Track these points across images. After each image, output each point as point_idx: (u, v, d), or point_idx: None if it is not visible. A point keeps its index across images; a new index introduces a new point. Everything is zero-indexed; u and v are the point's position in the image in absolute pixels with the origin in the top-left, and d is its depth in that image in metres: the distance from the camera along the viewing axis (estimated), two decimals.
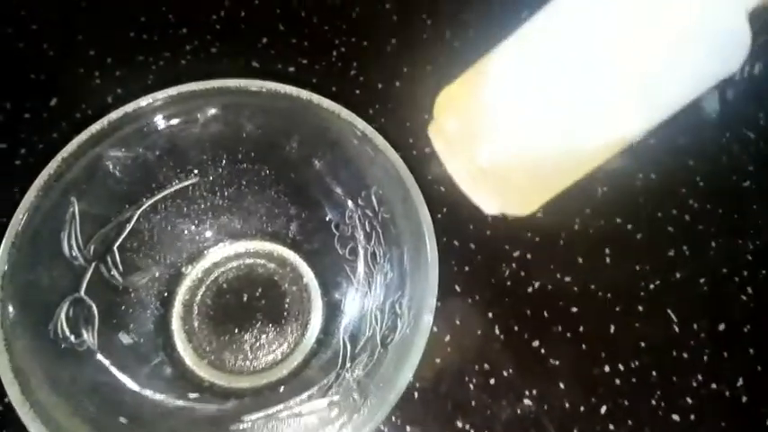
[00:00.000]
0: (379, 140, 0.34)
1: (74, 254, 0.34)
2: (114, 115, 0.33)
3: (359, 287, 0.38)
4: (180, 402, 0.35)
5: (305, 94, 0.34)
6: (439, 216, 0.41)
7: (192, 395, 0.36)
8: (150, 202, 0.37)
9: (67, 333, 0.32)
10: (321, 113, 0.35)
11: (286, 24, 0.51)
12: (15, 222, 0.31)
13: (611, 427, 0.40)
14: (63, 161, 0.32)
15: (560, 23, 0.30)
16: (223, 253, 0.41)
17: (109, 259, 0.36)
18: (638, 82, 0.28)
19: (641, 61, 0.28)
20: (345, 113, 0.34)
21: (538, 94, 0.30)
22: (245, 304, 0.40)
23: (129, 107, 0.33)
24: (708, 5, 0.26)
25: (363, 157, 0.35)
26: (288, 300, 0.40)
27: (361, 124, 0.34)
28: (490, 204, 0.36)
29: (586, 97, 0.29)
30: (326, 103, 0.34)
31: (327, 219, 0.39)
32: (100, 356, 0.33)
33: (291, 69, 0.49)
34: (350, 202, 0.38)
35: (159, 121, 0.35)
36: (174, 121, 0.35)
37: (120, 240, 0.36)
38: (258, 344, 0.39)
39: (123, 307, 0.37)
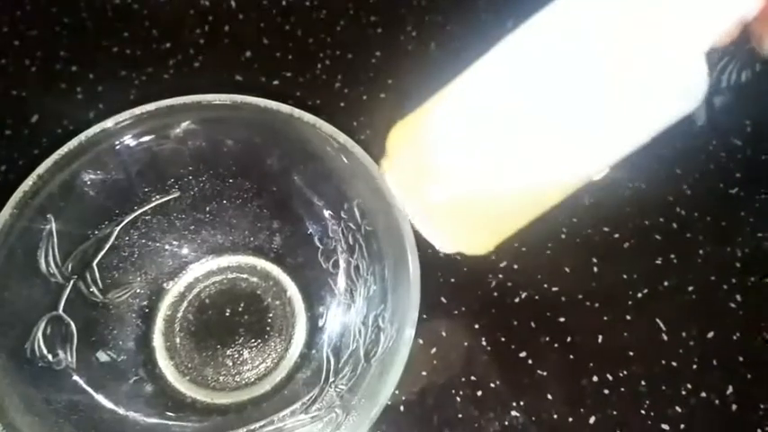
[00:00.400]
0: (360, 153, 0.33)
1: (51, 271, 0.33)
2: (91, 132, 0.33)
3: (342, 300, 0.38)
4: (160, 421, 0.35)
5: (285, 108, 0.34)
6: None
7: (174, 413, 0.35)
8: (130, 217, 0.37)
9: (45, 352, 0.32)
10: (302, 127, 0.34)
11: (270, 38, 0.51)
12: None
13: None
14: (39, 178, 0.32)
15: (517, 59, 0.30)
16: (205, 268, 0.41)
17: (88, 276, 0.35)
18: (594, 122, 0.28)
19: (598, 100, 0.28)
20: (326, 127, 0.34)
21: (490, 132, 0.30)
22: (228, 319, 0.40)
23: (106, 123, 0.33)
24: (665, 49, 0.26)
25: (345, 170, 0.35)
26: (271, 314, 0.40)
27: (341, 137, 0.34)
28: (444, 243, 0.35)
29: (541, 136, 0.29)
30: (307, 116, 0.34)
31: (310, 232, 0.39)
32: (77, 375, 0.33)
33: (276, 83, 0.49)
34: (333, 215, 0.38)
35: (138, 137, 0.35)
36: (153, 137, 0.35)
37: (99, 257, 0.36)
38: (241, 359, 0.38)
39: (103, 324, 0.36)
